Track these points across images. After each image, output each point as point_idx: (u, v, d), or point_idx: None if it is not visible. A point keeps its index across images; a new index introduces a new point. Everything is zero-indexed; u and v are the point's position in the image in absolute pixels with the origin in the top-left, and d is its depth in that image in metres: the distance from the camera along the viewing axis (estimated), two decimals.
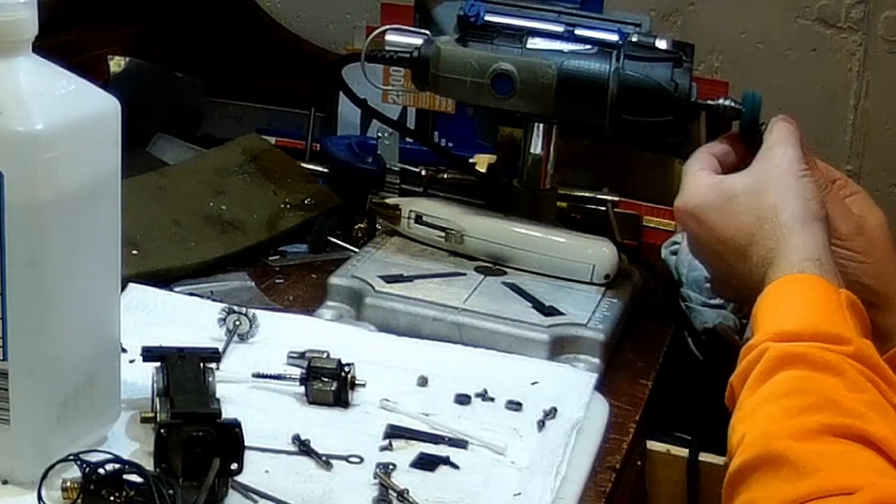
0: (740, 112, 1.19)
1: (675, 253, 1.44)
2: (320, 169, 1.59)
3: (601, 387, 1.18)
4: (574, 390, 1.14)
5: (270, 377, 1.10)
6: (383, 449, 1.02)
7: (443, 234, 1.36)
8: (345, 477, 0.97)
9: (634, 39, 1.28)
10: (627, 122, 1.26)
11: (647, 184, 1.60)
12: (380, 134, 1.51)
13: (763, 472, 0.79)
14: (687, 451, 1.21)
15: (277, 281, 1.37)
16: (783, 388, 0.84)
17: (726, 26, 1.72)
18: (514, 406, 1.11)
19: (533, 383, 1.15)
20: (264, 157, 1.56)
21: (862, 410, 0.81)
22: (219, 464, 0.89)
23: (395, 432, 1.04)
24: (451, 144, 1.67)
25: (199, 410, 0.92)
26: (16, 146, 0.85)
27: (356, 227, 1.47)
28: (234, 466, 0.91)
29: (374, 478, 0.97)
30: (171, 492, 0.87)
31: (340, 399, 1.08)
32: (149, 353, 1.02)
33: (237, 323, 1.17)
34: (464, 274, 1.32)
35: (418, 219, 1.37)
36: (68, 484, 0.87)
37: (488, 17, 1.30)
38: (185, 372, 0.98)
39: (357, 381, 1.09)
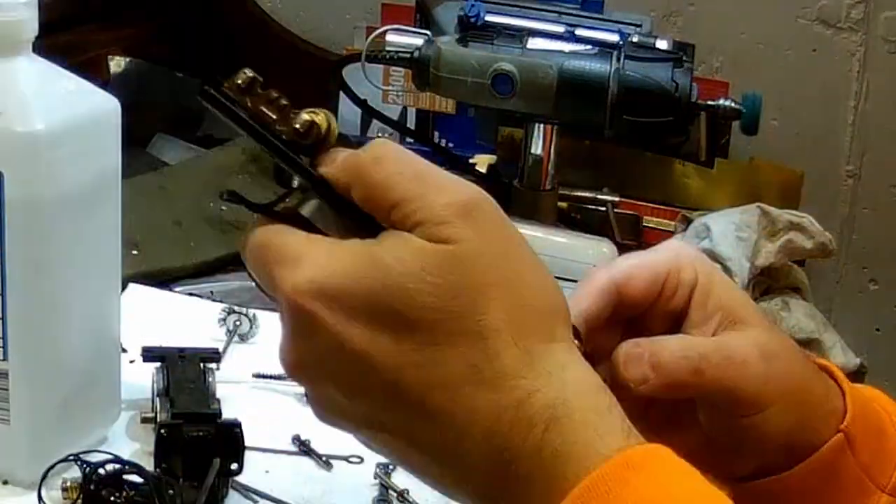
0: (740, 112, 1.19)
1: None
2: None
3: None
4: None
5: (271, 377, 1.10)
6: None
7: None
8: (345, 477, 0.97)
9: (635, 40, 1.28)
10: (628, 122, 1.26)
11: (647, 184, 1.60)
12: (380, 134, 1.52)
13: None
14: None
15: None
16: None
17: (726, 26, 1.72)
18: None
19: None
20: (265, 157, 1.56)
21: None
22: (219, 464, 0.89)
23: None
24: (451, 145, 1.67)
25: (200, 410, 0.92)
26: (16, 146, 0.85)
27: None
28: (234, 466, 0.91)
29: (375, 478, 0.97)
30: (171, 492, 0.87)
31: None
32: (149, 354, 1.02)
33: (237, 323, 1.17)
34: None
35: None
36: (68, 484, 0.88)
37: (489, 18, 1.30)
38: (185, 372, 0.98)
39: None
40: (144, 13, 1.76)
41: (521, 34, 1.29)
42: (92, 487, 0.87)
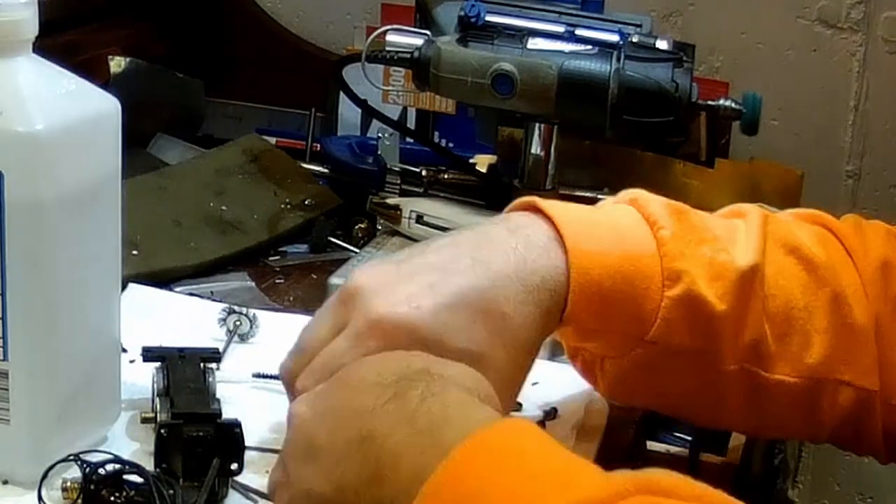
0: (741, 112, 1.19)
1: None
2: (321, 169, 1.59)
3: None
4: (575, 390, 1.14)
5: (271, 377, 1.09)
6: None
7: (443, 234, 1.36)
8: None
9: (635, 40, 1.28)
10: (628, 122, 1.26)
11: (647, 184, 1.60)
12: (380, 134, 1.51)
13: None
14: (687, 451, 1.21)
15: (278, 281, 1.37)
16: None
17: (726, 27, 1.72)
18: (515, 406, 1.11)
19: (533, 384, 1.15)
20: (265, 157, 1.56)
21: None
22: (219, 464, 0.89)
23: None
24: (451, 145, 1.67)
25: (200, 410, 0.92)
26: (16, 146, 0.85)
27: (357, 227, 1.48)
28: (234, 466, 0.91)
29: None
30: (171, 492, 0.87)
31: None
32: (149, 354, 1.02)
33: (237, 323, 1.17)
34: None
35: (419, 219, 1.37)
36: (68, 484, 0.87)
37: (489, 18, 1.30)
38: (185, 372, 0.98)
39: None
40: (144, 13, 1.76)
41: (521, 34, 1.29)
42: (92, 487, 0.87)
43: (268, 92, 1.79)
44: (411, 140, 1.57)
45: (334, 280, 1.28)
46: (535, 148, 1.39)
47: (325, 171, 1.59)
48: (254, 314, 1.18)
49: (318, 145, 1.67)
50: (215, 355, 1.03)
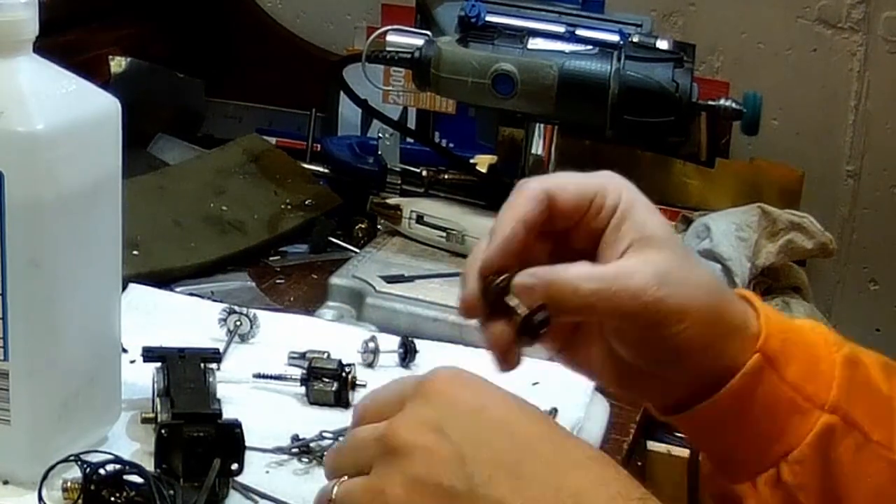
0: (741, 112, 1.19)
1: None
2: (321, 169, 1.59)
3: (601, 387, 1.18)
4: (574, 391, 1.14)
5: (271, 377, 1.10)
6: None
7: (444, 234, 1.36)
8: None
9: (635, 40, 1.28)
10: (628, 122, 1.26)
11: (647, 184, 1.60)
12: (381, 134, 1.51)
13: None
14: (687, 451, 1.21)
15: (278, 281, 1.37)
16: None
17: (727, 26, 1.72)
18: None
19: (533, 384, 1.15)
20: (265, 157, 1.56)
21: None
22: (219, 464, 0.89)
23: None
24: (451, 145, 1.67)
25: (200, 411, 0.92)
26: (16, 146, 0.85)
27: (357, 227, 1.48)
28: (234, 467, 0.91)
29: None
30: (171, 492, 0.87)
31: (341, 399, 1.08)
32: (149, 354, 1.02)
33: (238, 323, 1.17)
34: None
35: (419, 219, 1.37)
36: (69, 484, 0.88)
37: (489, 18, 1.30)
38: (185, 372, 0.98)
39: (358, 382, 1.09)
40: (144, 13, 1.76)
41: (521, 34, 1.29)
42: (92, 487, 0.87)
43: (268, 92, 1.79)
44: (411, 140, 1.57)
45: (334, 280, 1.28)
46: (536, 148, 1.39)
47: (326, 171, 1.59)
48: (254, 314, 1.18)
49: (319, 145, 1.67)
50: (215, 355, 1.03)
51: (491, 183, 1.48)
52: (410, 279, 1.29)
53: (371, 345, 1.15)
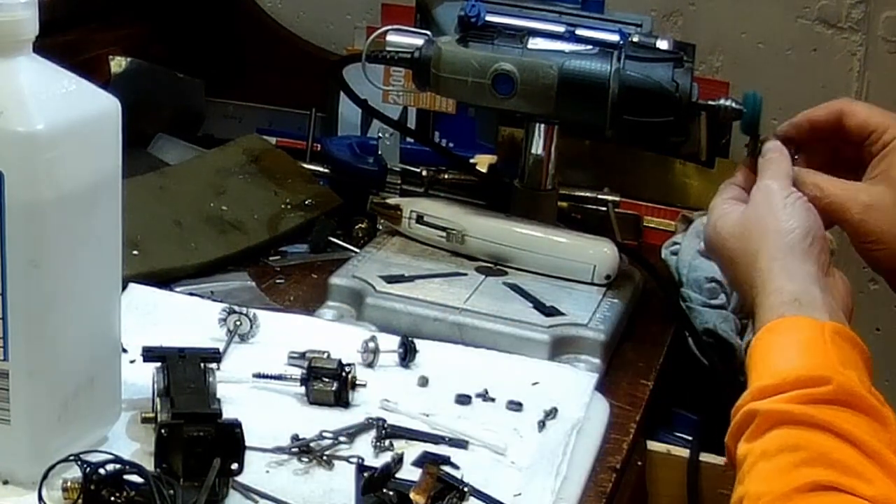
0: (741, 112, 1.19)
1: (675, 253, 1.44)
2: (321, 169, 1.59)
3: (602, 387, 1.18)
4: (574, 390, 1.14)
5: (271, 377, 1.10)
6: (384, 449, 1.02)
7: (444, 234, 1.36)
8: (345, 477, 0.97)
9: (635, 40, 1.28)
10: (628, 122, 1.26)
11: (647, 184, 1.60)
12: (380, 134, 1.51)
13: None
14: (687, 451, 1.21)
15: (278, 281, 1.37)
16: (775, 446, 0.83)
17: (727, 26, 1.72)
18: (515, 406, 1.11)
19: (533, 383, 1.15)
20: (265, 157, 1.56)
21: (852, 465, 0.80)
22: (219, 464, 0.89)
23: (395, 432, 1.04)
24: (451, 145, 1.67)
25: (200, 410, 0.92)
26: (16, 146, 0.85)
27: (357, 227, 1.48)
28: (234, 466, 0.91)
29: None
30: (171, 492, 0.87)
31: (341, 399, 1.08)
32: (149, 354, 1.02)
33: (238, 323, 1.17)
34: (465, 274, 1.32)
35: (419, 219, 1.37)
36: (69, 484, 0.88)
37: (489, 18, 1.30)
38: (185, 372, 0.98)
39: (357, 382, 1.09)
40: (145, 13, 1.76)
41: (521, 34, 1.29)
42: (92, 487, 0.87)
43: (268, 92, 1.79)
44: (411, 140, 1.57)
45: (334, 280, 1.28)
46: (536, 148, 1.39)
47: (326, 171, 1.59)
48: (254, 314, 1.18)
49: (319, 145, 1.67)
50: (215, 355, 1.03)
51: (491, 183, 1.48)
52: (410, 279, 1.29)
53: (371, 345, 1.16)
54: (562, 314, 1.24)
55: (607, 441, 1.10)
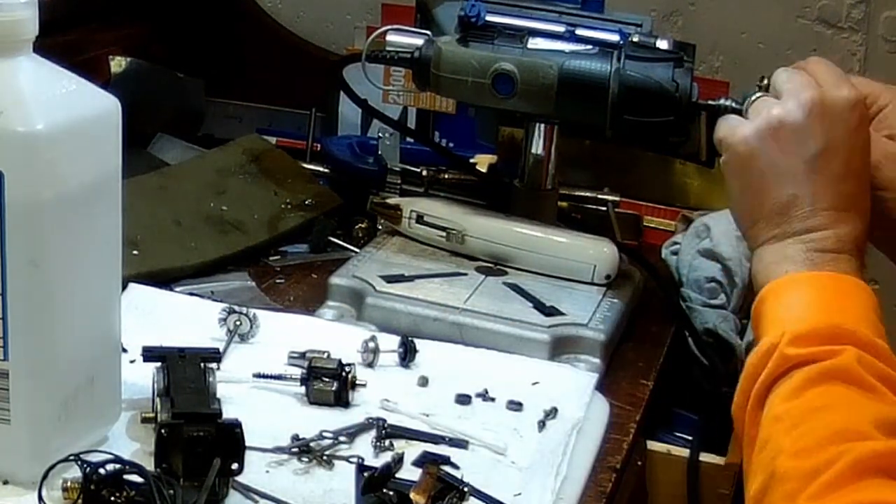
0: (741, 112, 1.19)
1: (675, 253, 1.44)
2: (321, 169, 1.59)
3: (602, 387, 1.18)
4: (574, 390, 1.14)
5: (271, 377, 1.10)
6: (384, 449, 1.02)
7: (444, 234, 1.36)
8: (345, 477, 0.97)
9: (635, 39, 1.28)
10: (628, 122, 1.26)
11: (647, 184, 1.60)
12: (381, 134, 1.51)
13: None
14: (687, 451, 1.21)
15: (278, 281, 1.37)
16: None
17: (727, 26, 1.72)
18: (515, 406, 1.11)
19: (533, 383, 1.15)
20: (265, 157, 1.56)
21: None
22: (219, 464, 0.89)
23: (395, 432, 1.04)
24: (451, 144, 1.67)
25: (200, 410, 0.92)
26: (16, 146, 0.85)
27: (357, 227, 1.48)
28: (234, 466, 0.91)
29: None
30: (171, 492, 0.87)
31: (341, 399, 1.08)
32: (149, 354, 1.02)
33: (238, 323, 1.17)
34: (465, 274, 1.32)
35: (419, 219, 1.37)
36: (69, 484, 0.88)
37: (489, 18, 1.30)
38: (185, 372, 0.98)
39: (357, 382, 1.09)
40: (145, 13, 1.76)
41: (521, 34, 1.29)
42: (92, 487, 0.87)
43: (268, 92, 1.80)
44: (411, 140, 1.57)
45: (334, 280, 1.28)
46: (536, 148, 1.39)
47: (326, 171, 1.59)
48: (254, 314, 1.18)
49: (319, 145, 1.67)
50: (215, 355, 1.03)
51: (491, 183, 1.48)
52: (410, 279, 1.29)
53: (371, 344, 1.16)
54: (562, 314, 1.24)
55: (607, 441, 1.10)
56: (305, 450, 1.00)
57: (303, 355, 1.11)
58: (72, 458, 0.88)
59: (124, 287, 1.10)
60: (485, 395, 1.12)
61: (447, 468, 0.99)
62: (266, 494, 0.93)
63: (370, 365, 1.15)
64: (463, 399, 1.11)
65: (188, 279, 1.33)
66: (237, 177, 1.51)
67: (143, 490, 0.87)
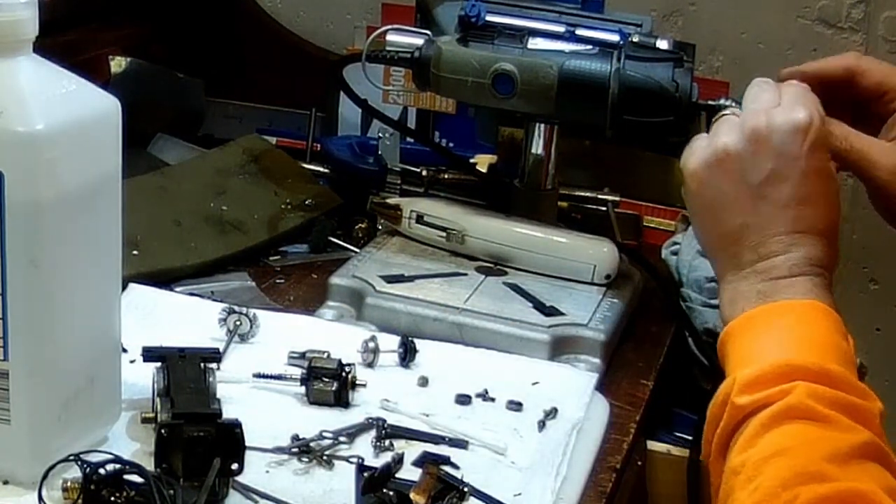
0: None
1: (675, 253, 1.44)
2: (321, 169, 1.59)
3: (602, 387, 1.18)
4: (574, 390, 1.14)
5: (271, 377, 1.10)
6: (384, 449, 1.02)
7: (444, 234, 1.36)
8: (345, 477, 0.97)
9: (635, 40, 1.28)
10: (628, 122, 1.26)
11: (647, 184, 1.60)
12: (381, 134, 1.51)
13: None
14: (687, 451, 1.21)
15: (278, 281, 1.37)
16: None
17: (727, 26, 1.72)
18: (515, 406, 1.11)
19: (533, 383, 1.15)
20: (265, 157, 1.56)
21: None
22: (219, 464, 0.89)
23: (395, 432, 1.04)
24: (451, 144, 1.67)
25: (200, 410, 0.92)
26: (16, 146, 0.85)
27: (357, 227, 1.48)
28: (234, 466, 0.91)
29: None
30: (171, 492, 0.87)
31: (341, 399, 1.08)
32: (149, 354, 1.02)
33: (238, 323, 1.17)
34: (465, 274, 1.32)
35: (419, 219, 1.37)
36: (69, 484, 0.88)
37: (489, 18, 1.30)
38: (185, 372, 0.98)
39: (357, 382, 1.09)
40: (145, 13, 1.76)
41: (521, 34, 1.29)
42: (92, 487, 0.87)
43: (268, 92, 1.80)
44: (411, 140, 1.57)
45: (334, 280, 1.28)
46: (536, 148, 1.39)
47: (326, 171, 1.59)
48: (254, 314, 1.18)
49: (319, 145, 1.67)
50: (215, 355, 1.03)
51: (491, 183, 1.48)
52: (410, 279, 1.29)
53: (371, 345, 1.16)
54: (562, 314, 1.24)
55: (607, 441, 1.10)
56: (305, 450, 1.00)
57: (303, 355, 1.11)
58: (72, 458, 0.88)
59: (124, 287, 1.10)
60: (485, 396, 1.12)
61: (447, 468, 0.99)
62: (266, 494, 0.93)
63: (370, 365, 1.15)
64: (463, 399, 1.11)
65: (188, 279, 1.33)
66: (237, 177, 1.51)
67: (143, 490, 0.87)
